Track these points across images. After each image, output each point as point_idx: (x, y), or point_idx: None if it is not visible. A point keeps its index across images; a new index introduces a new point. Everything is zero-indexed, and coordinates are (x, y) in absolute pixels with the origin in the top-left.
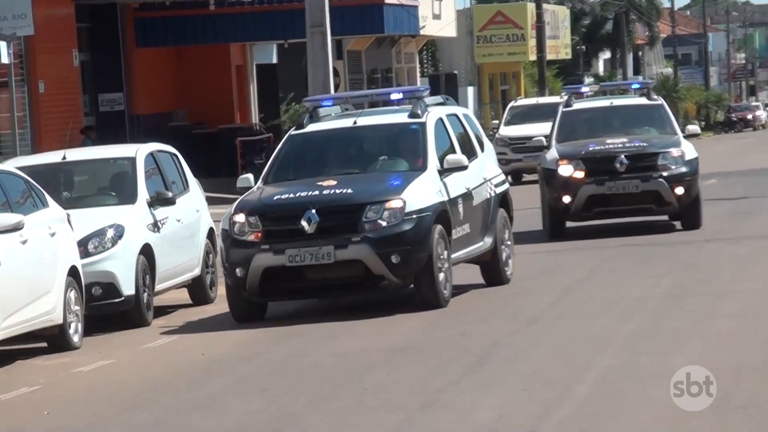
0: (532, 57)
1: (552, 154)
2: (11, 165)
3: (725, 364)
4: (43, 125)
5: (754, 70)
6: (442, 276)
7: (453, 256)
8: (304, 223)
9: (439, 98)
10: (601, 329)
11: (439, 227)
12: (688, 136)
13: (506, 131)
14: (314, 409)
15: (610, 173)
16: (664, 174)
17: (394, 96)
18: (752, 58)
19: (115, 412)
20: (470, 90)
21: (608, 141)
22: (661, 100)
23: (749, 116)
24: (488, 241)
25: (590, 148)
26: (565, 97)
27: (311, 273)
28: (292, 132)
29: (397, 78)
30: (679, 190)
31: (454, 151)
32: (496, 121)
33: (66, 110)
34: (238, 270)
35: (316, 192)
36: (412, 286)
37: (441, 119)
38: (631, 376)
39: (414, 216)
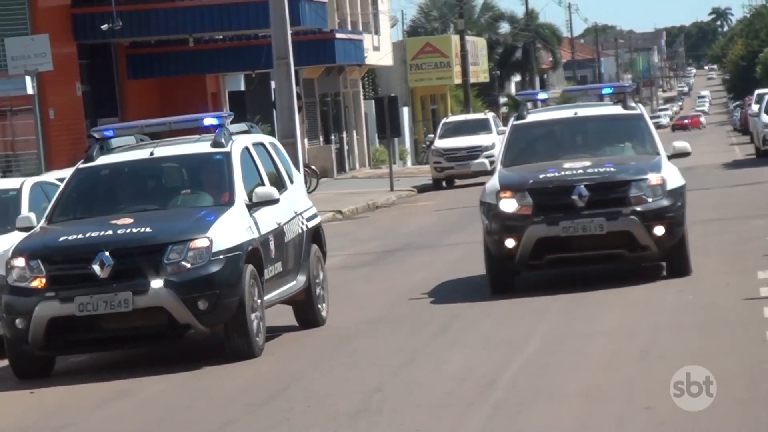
0: (457, 81)
1: (493, 183)
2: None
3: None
4: (53, 145)
5: (639, 88)
6: (255, 322)
7: (266, 298)
8: (96, 266)
9: (243, 126)
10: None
11: (250, 267)
12: (675, 156)
13: (440, 143)
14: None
15: (567, 209)
16: (638, 209)
17: (208, 121)
18: (637, 78)
19: None
20: (405, 110)
21: (567, 165)
22: (640, 109)
23: None
24: (302, 279)
25: (541, 176)
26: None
27: (106, 322)
28: (80, 165)
29: (345, 101)
30: (659, 230)
31: (262, 183)
32: (431, 136)
33: (71, 133)
34: (18, 321)
35: (110, 231)
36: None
37: (247, 148)
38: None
39: (222, 256)
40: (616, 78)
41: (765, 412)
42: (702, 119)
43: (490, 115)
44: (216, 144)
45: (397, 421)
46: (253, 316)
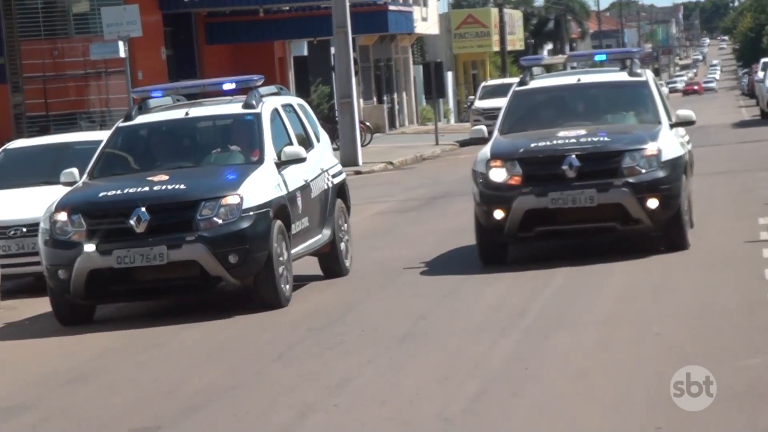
0: (495, 48)
1: (484, 152)
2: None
3: None
4: None
5: (659, 56)
6: (282, 274)
7: (293, 251)
8: (133, 221)
9: (273, 88)
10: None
11: (278, 223)
12: (679, 124)
13: (480, 104)
14: None
15: (556, 180)
16: (631, 180)
17: (227, 86)
18: (656, 48)
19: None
20: (449, 74)
21: (561, 134)
22: (646, 76)
23: None
24: (327, 233)
25: (532, 145)
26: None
27: (142, 274)
28: (120, 124)
29: (396, 65)
30: (652, 203)
31: (291, 143)
32: (472, 97)
33: None
34: (60, 272)
35: (146, 188)
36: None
37: (276, 110)
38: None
39: (251, 213)
40: (638, 47)
41: (761, 338)
42: (711, 85)
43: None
44: (247, 105)
45: (440, 344)
46: (280, 269)
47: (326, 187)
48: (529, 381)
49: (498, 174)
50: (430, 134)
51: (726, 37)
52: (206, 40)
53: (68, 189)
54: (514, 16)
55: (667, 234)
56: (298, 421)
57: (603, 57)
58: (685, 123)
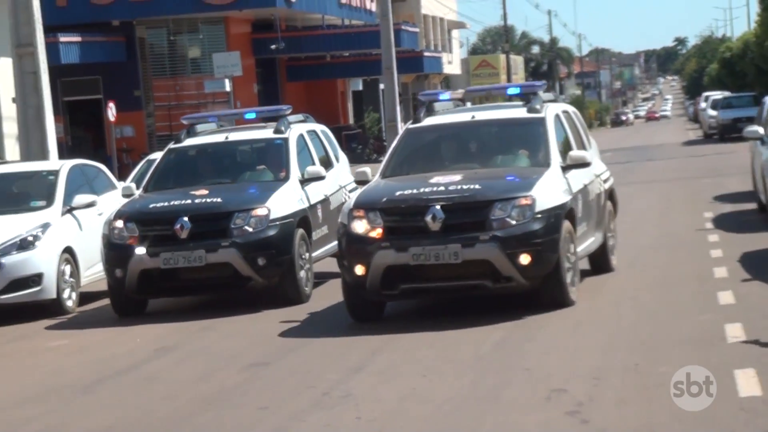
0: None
1: (349, 201)
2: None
3: None
4: None
5: (626, 92)
6: (303, 275)
7: (314, 254)
8: (177, 228)
9: (300, 116)
10: None
11: (300, 231)
12: (572, 167)
13: None
14: None
15: (420, 233)
16: (499, 234)
17: (249, 116)
18: (624, 86)
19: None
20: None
21: (433, 181)
22: (545, 112)
23: (623, 118)
24: None
25: (397, 194)
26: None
27: (185, 274)
28: (171, 145)
29: None
30: (524, 259)
31: (313, 163)
32: None
33: None
34: (117, 271)
35: (189, 201)
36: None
37: (302, 135)
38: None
39: (278, 222)
40: (609, 85)
41: (710, 301)
42: (665, 113)
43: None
44: (277, 131)
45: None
46: (302, 271)
47: (344, 200)
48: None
49: (359, 225)
50: None
51: (676, 77)
52: (287, 78)
53: (126, 200)
54: (517, 61)
55: (546, 291)
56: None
57: (516, 90)
58: (579, 165)
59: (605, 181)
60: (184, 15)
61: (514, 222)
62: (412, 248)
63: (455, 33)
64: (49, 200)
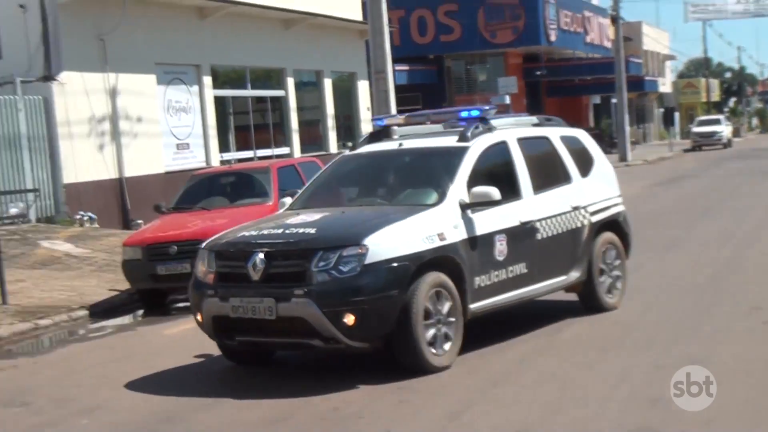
0: (703, 100)
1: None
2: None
3: None
4: None
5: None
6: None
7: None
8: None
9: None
10: None
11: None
12: (474, 205)
13: (695, 129)
14: None
15: (244, 282)
16: (315, 289)
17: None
18: None
19: None
20: (677, 114)
21: (288, 221)
22: (474, 141)
23: None
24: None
25: (237, 236)
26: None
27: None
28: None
29: (647, 108)
30: (348, 318)
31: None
32: (690, 125)
33: None
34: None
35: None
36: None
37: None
38: None
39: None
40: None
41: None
42: None
43: (721, 116)
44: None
45: None
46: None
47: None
48: None
49: (200, 268)
50: (665, 146)
51: None
52: (547, 95)
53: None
54: (714, 83)
55: (397, 354)
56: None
57: (469, 113)
58: (483, 203)
59: (595, 213)
60: (477, 51)
61: (337, 275)
62: (232, 299)
63: (668, 63)
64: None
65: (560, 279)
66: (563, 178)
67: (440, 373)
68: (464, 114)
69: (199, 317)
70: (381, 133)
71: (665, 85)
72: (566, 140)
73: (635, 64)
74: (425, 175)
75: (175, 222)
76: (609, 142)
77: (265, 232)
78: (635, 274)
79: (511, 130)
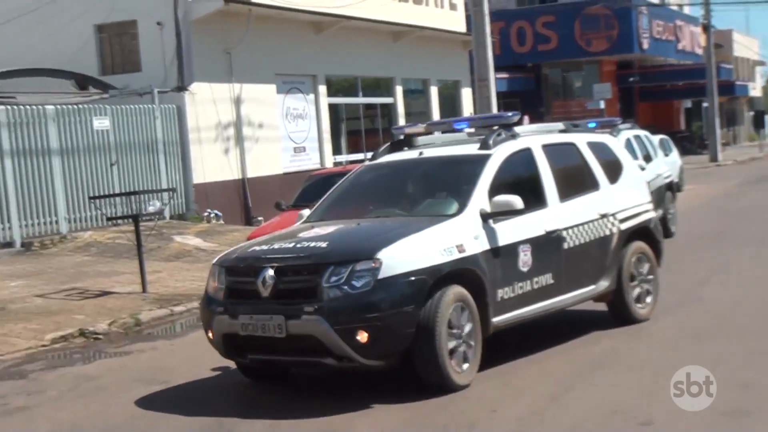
0: None
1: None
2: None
3: None
4: None
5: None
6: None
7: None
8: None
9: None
10: None
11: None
12: (495, 215)
13: None
14: None
15: (254, 298)
16: (326, 306)
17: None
18: None
19: None
20: (766, 117)
21: (300, 235)
22: (499, 150)
23: None
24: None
25: (248, 251)
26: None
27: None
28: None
29: (737, 111)
30: (362, 336)
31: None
32: None
33: None
34: (209, 332)
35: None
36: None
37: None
38: None
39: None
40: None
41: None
42: None
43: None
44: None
45: None
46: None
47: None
48: None
49: (211, 284)
50: (755, 147)
51: None
52: (639, 99)
53: None
54: None
55: (420, 370)
56: None
57: (464, 125)
58: (505, 212)
59: (625, 220)
60: (573, 59)
61: (351, 291)
62: (242, 316)
63: (758, 68)
64: None
65: (588, 289)
66: (590, 184)
67: (464, 390)
68: (460, 126)
69: (210, 335)
70: (402, 143)
71: (755, 90)
72: (593, 146)
73: (726, 70)
74: (445, 184)
75: (293, 218)
76: (700, 143)
77: (276, 246)
78: (729, 268)
79: (536, 137)
